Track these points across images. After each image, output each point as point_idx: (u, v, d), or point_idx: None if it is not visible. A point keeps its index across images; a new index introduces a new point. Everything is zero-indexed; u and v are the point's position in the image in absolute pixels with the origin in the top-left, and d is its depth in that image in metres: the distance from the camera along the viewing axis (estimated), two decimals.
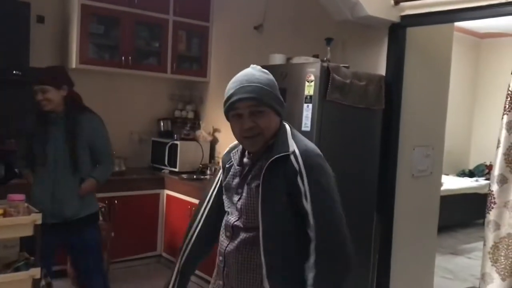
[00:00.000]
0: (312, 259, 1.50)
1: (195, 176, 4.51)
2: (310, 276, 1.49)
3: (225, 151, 1.79)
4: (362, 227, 3.26)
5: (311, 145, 1.61)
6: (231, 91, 1.56)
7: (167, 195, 4.52)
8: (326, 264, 1.49)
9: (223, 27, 4.79)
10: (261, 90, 1.53)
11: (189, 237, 1.79)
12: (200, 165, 4.65)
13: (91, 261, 3.06)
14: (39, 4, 4.14)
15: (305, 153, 1.54)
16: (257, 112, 1.54)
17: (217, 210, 1.77)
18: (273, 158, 1.53)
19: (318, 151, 1.60)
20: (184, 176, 4.49)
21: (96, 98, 4.59)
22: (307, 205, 1.51)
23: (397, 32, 3.21)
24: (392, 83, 3.22)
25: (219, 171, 1.81)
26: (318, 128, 2.87)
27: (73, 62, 4.13)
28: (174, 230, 4.42)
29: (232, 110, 1.57)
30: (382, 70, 3.27)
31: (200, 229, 1.79)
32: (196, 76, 4.93)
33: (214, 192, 1.80)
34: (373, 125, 3.21)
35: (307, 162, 1.52)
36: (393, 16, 3.12)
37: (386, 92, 3.19)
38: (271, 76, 1.62)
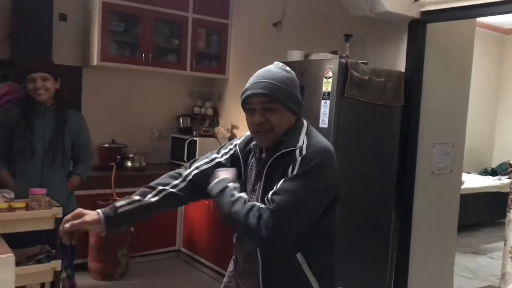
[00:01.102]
0: (254, 208, 1.46)
1: None
2: (245, 205, 1.47)
3: (243, 139, 1.75)
4: (380, 225, 3.24)
5: (322, 141, 1.57)
6: (247, 86, 1.59)
7: None
8: (253, 222, 1.43)
9: (242, 24, 4.80)
10: (275, 87, 1.54)
11: (164, 187, 1.69)
12: None
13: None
14: (62, 2, 4.21)
15: (310, 147, 1.51)
16: (269, 109, 1.55)
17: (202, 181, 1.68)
18: (278, 153, 1.54)
19: (328, 148, 1.55)
20: None
21: (116, 94, 4.69)
22: (281, 182, 1.48)
23: (417, 28, 3.17)
24: (412, 80, 3.19)
25: (229, 147, 1.76)
26: (336, 124, 2.85)
27: (94, 59, 4.19)
28: (193, 225, 4.46)
29: (246, 104, 1.60)
30: (401, 67, 3.24)
31: (182, 187, 1.69)
32: (215, 73, 4.95)
33: (214, 162, 1.72)
34: (392, 122, 3.18)
35: (306, 155, 1.49)
36: (413, 12, 3.09)
37: (406, 88, 3.16)
38: (291, 74, 1.62)
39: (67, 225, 1.57)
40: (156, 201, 1.66)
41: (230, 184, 1.55)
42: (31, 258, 2.51)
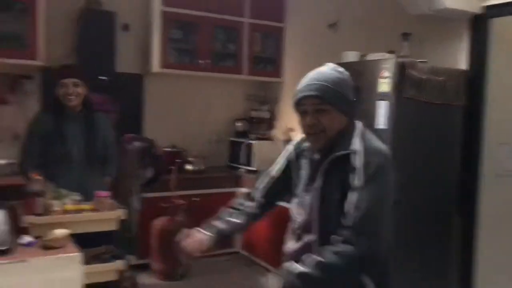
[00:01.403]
0: (338, 246, 1.46)
1: None
2: (330, 254, 1.46)
3: (297, 141, 1.79)
4: (441, 231, 3.13)
5: (377, 144, 1.57)
6: (299, 88, 1.61)
7: None
8: (350, 254, 1.44)
9: (297, 27, 4.80)
10: (326, 89, 1.54)
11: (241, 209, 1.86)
12: None
13: None
14: (124, 13, 4.39)
15: (367, 151, 1.51)
16: (321, 110, 1.55)
17: (274, 193, 1.86)
18: (332, 157, 1.54)
19: (385, 151, 1.55)
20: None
21: (176, 100, 4.83)
22: (352, 196, 1.47)
23: (479, 24, 3.04)
24: (475, 78, 3.06)
25: (284, 153, 1.83)
26: (394, 125, 2.79)
27: (155, 66, 4.35)
28: (252, 228, 4.49)
29: (298, 106, 1.61)
30: (463, 65, 3.12)
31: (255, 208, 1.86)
32: (271, 77, 4.99)
33: (277, 174, 1.85)
34: (453, 122, 3.07)
35: (366, 160, 1.49)
36: (474, 7, 2.97)
37: (468, 87, 3.04)
38: (344, 76, 1.61)
39: (186, 247, 1.83)
40: (243, 220, 1.83)
41: (294, 266, 1.54)
42: (97, 258, 2.64)
